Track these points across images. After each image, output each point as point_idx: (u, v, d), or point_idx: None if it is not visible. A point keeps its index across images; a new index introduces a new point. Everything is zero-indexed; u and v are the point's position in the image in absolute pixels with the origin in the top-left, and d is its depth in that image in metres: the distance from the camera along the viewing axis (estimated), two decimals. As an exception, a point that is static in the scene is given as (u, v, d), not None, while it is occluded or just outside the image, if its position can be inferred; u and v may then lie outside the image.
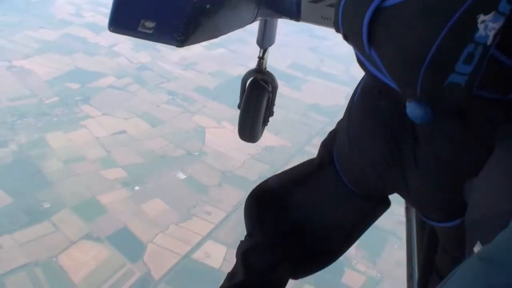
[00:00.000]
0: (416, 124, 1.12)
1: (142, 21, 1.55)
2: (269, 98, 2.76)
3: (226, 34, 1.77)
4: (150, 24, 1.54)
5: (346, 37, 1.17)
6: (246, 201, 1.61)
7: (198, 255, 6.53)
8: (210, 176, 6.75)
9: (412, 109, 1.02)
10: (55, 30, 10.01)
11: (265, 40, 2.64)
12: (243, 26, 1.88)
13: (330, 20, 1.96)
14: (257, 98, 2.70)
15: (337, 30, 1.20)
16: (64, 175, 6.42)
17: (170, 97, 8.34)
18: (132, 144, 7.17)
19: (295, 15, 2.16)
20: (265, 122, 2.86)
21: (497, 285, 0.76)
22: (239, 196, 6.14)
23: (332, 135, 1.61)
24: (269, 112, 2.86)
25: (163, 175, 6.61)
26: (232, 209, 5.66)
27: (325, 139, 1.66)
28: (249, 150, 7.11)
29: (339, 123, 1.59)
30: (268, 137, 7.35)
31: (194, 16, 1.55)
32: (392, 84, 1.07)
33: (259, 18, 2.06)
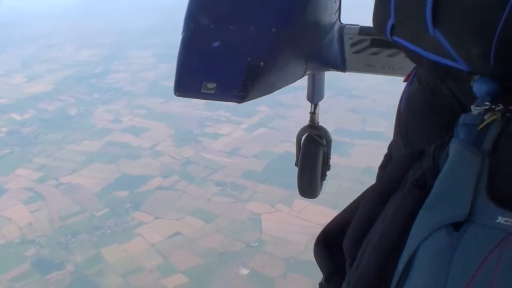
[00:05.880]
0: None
1: (204, 83, 1.70)
2: (324, 152, 2.94)
3: (281, 88, 1.90)
4: (211, 85, 1.69)
5: (393, 30, 1.16)
6: (315, 246, 1.73)
7: None
8: (273, 267, 6.40)
9: (480, 85, 1.00)
10: (97, 140, 10.17)
11: (315, 95, 2.84)
12: (295, 81, 2.03)
13: (375, 66, 2.28)
14: (313, 154, 2.88)
15: (379, 29, 1.22)
16: (124, 290, 6.21)
17: (219, 188, 8.16)
18: (188, 245, 6.93)
19: (341, 67, 2.35)
20: (323, 176, 3.02)
21: (442, 221, 0.78)
22: (307, 285, 5.73)
23: (387, 157, 1.65)
24: (326, 166, 3.03)
25: (225, 273, 6.31)
26: (303, 301, 5.29)
27: (381, 163, 1.70)
28: (309, 231, 6.75)
29: (391, 144, 1.62)
30: (326, 212, 7.00)
31: (250, 73, 1.69)
32: (459, 64, 1.04)
33: (308, 72, 2.23)
